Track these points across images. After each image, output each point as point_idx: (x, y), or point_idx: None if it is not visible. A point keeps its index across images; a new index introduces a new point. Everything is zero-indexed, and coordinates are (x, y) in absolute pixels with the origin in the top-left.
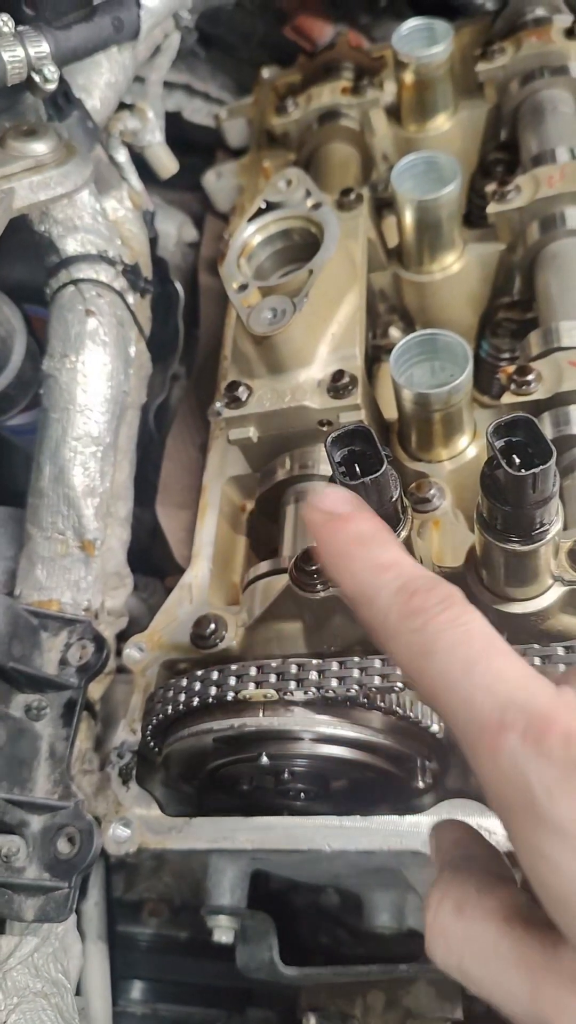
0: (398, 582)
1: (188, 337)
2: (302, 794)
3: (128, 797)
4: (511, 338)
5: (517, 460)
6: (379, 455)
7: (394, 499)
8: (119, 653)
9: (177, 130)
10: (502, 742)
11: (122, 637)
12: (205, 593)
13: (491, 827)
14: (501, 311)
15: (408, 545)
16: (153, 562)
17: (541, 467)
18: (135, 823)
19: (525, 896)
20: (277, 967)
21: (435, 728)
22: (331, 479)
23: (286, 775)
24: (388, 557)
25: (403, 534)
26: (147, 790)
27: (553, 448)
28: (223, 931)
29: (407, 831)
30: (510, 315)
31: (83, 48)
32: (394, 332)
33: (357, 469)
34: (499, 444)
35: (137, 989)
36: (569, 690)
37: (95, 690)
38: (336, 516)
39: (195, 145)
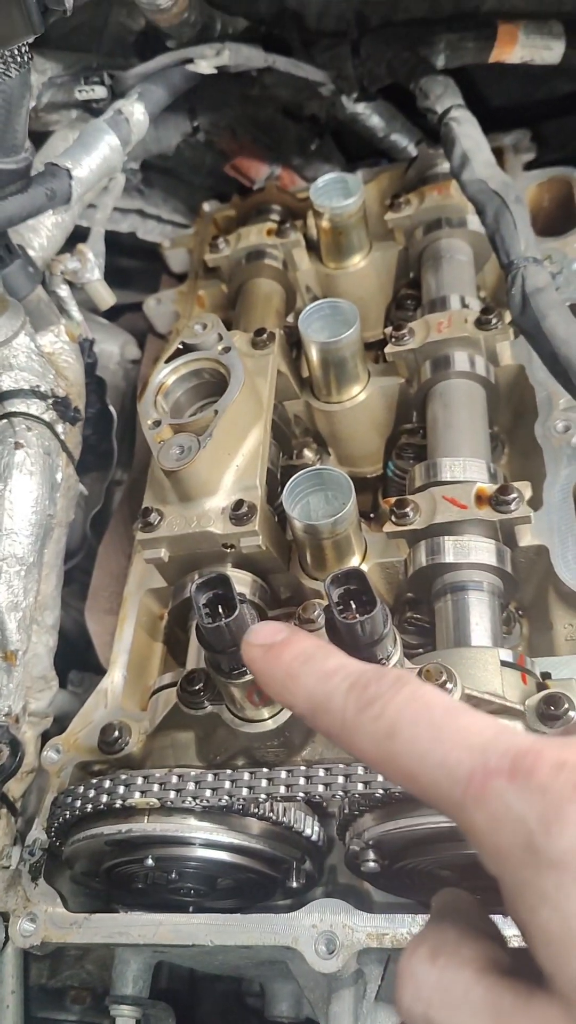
0: (348, 681)
1: (131, 447)
2: (192, 892)
3: (36, 893)
4: (414, 460)
5: (354, 606)
6: (234, 600)
7: None
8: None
9: (136, 241)
10: (489, 788)
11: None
12: (119, 699)
13: (354, 924)
14: (404, 436)
15: None
16: (91, 660)
17: (367, 616)
18: (40, 918)
19: (505, 953)
20: None
21: (308, 832)
22: (196, 625)
23: (174, 875)
24: (332, 663)
25: None
26: (54, 886)
27: (378, 598)
28: (125, 1020)
29: (281, 928)
30: (412, 440)
31: (18, 216)
32: (308, 454)
33: (220, 611)
34: (338, 592)
35: None
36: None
37: (16, 788)
38: (273, 645)
39: (152, 254)
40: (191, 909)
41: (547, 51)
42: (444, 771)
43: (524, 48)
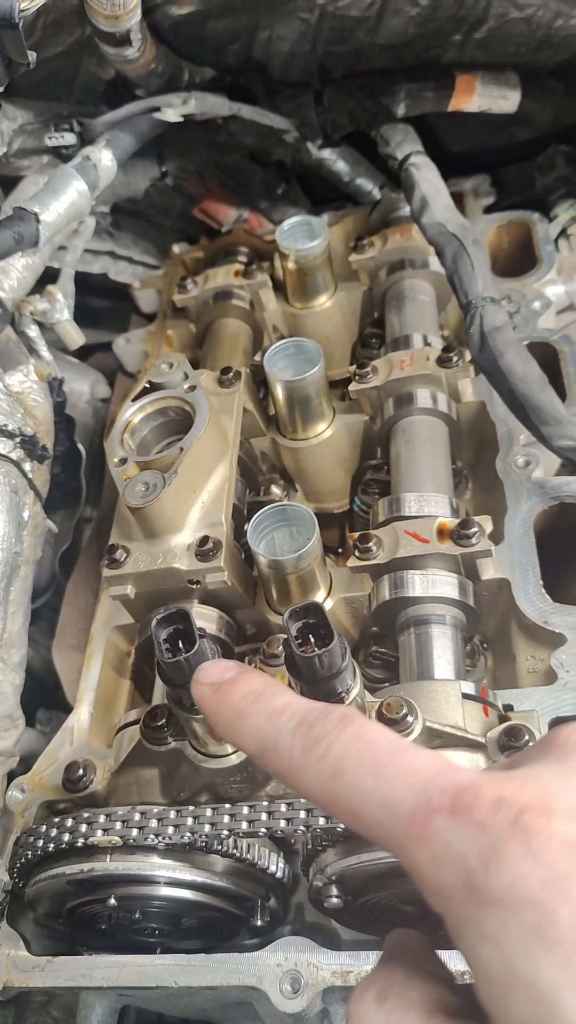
0: (295, 720)
1: (100, 485)
2: (156, 932)
3: None
4: (379, 495)
5: (313, 640)
6: (194, 635)
7: None
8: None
9: (106, 282)
10: (431, 826)
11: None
12: (85, 736)
13: (318, 962)
14: (369, 472)
15: None
16: (60, 698)
17: (324, 649)
18: (2, 962)
19: (452, 994)
20: None
21: (272, 869)
22: (155, 661)
23: (137, 915)
24: (280, 702)
25: None
26: (17, 929)
27: (335, 632)
28: None
29: (245, 967)
30: (376, 476)
31: None
32: (275, 490)
33: (181, 646)
34: (296, 626)
35: None
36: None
37: None
38: (222, 684)
39: (122, 294)
40: (158, 950)
41: (503, 100)
42: (387, 810)
43: (481, 97)
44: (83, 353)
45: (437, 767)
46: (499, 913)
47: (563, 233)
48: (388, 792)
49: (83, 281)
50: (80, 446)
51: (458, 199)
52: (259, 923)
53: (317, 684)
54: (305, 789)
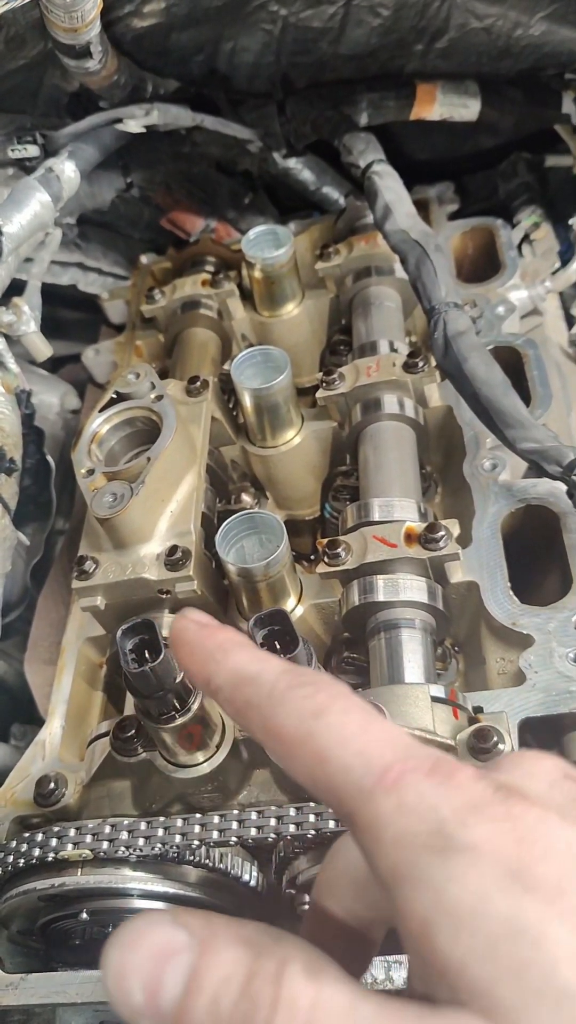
0: (284, 665)
1: (72, 497)
2: None
3: None
4: (349, 501)
5: (278, 646)
6: (159, 645)
7: (178, 680)
8: None
9: (76, 293)
10: (406, 779)
11: None
12: (57, 750)
13: None
14: (339, 478)
15: (201, 712)
16: (36, 712)
17: (289, 655)
18: None
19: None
20: None
21: (246, 878)
22: (122, 674)
23: (111, 929)
24: (265, 654)
25: (194, 705)
26: None
27: (300, 638)
28: None
29: None
30: (346, 482)
31: None
32: (246, 498)
33: (147, 656)
34: (261, 633)
35: None
36: None
37: None
38: (208, 625)
39: (91, 305)
40: None
41: (464, 109)
42: (362, 759)
43: (442, 106)
44: (54, 365)
45: (418, 741)
46: (473, 856)
47: (526, 238)
48: (367, 744)
49: (52, 293)
50: (49, 458)
51: (423, 206)
52: None
53: None
54: (277, 721)
